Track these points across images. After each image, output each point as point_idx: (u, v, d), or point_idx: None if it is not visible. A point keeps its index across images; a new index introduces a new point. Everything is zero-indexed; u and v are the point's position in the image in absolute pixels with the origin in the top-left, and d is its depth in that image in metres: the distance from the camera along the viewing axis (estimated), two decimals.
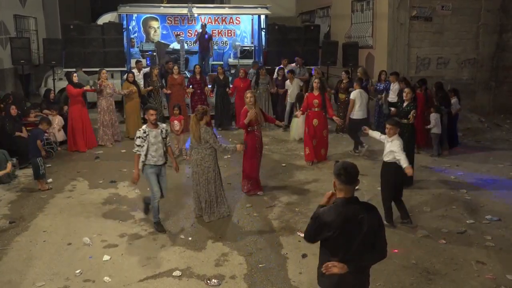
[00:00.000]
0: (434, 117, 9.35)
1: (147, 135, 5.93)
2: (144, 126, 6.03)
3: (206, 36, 14.09)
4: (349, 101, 9.55)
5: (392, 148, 5.98)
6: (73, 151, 9.85)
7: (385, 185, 6.18)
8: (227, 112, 11.88)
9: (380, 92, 10.81)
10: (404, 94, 7.65)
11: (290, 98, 11.51)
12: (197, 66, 11.86)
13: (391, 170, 6.07)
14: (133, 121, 10.80)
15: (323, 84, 9.25)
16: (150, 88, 11.00)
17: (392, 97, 10.32)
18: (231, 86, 11.80)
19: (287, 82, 11.66)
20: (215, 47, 14.89)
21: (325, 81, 10.75)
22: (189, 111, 11.45)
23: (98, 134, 10.40)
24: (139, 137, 5.92)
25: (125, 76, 11.28)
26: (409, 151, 7.57)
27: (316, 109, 8.76)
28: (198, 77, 11.60)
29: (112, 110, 10.53)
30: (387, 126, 6.14)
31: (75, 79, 9.80)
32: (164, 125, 6.24)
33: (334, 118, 8.94)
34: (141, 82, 11.50)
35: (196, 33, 14.54)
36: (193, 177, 6.48)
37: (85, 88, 10.13)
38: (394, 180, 6.09)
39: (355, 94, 9.40)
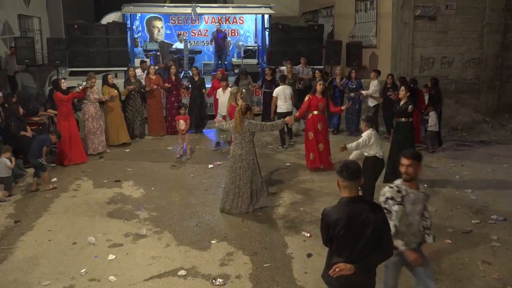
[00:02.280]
0: (434, 115, 9.45)
1: (403, 196, 3.74)
2: (398, 182, 3.85)
3: (221, 35, 14.15)
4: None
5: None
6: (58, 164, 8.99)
7: (365, 179, 6.27)
8: (202, 113, 11.62)
9: (352, 90, 10.93)
10: (400, 93, 7.75)
11: (221, 110, 9.76)
12: (173, 67, 11.45)
13: (369, 164, 6.40)
14: (116, 128, 10.24)
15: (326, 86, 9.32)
16: (132, 87, 10.59)
17: (371, 93, 10.69)
18: (207, 86, 11.59)
19: (219, 90, 10.05)
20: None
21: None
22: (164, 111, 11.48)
23: (85, 144, 9.51)
24: (391, 198, 3.73)
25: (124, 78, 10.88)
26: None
27: (320, 113, 8.55)
28: (173, 78, 11.32)
29: (100, 116, 9.78)
30: (361, 122, 6.74)
31: (63, 85, 9.07)
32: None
33: (342, 107, 9.03)
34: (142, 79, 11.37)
35: (212, 33, 14.51)
36: (234, 173, 6.61)
37: (75, 91, 9.39)
38: (373, 173, 6.42)
39: (277, 91, 9.96)
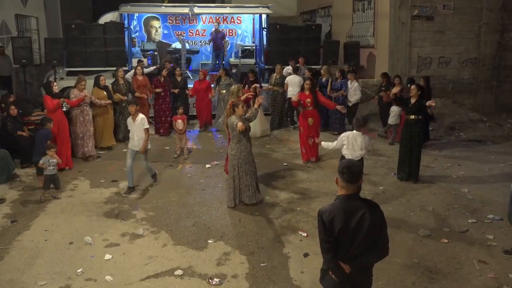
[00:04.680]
0: (397, 109, 9.88)
1: None
2: None
3: (220, 34, 14.16)
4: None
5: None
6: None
7: None
8: (186, 113, 11.39)
9: (336, 90, 11.12)
10: (411, 91, 7.88)
11: (132, 145, 7.60)
12: (165, 70, 11.32)
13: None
14: (102, 131, 9.91)
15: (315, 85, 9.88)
16: (124, 98, 10.27)
17: (350, 95, 11.05)
18: (189, 87, 11.60)
19: (129, 119, 7.67)
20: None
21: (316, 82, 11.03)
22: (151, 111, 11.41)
23: (74, 149, 9.20)
24: None
25: (117, 79, 10.44)
26: (417, 148, 7.71)
27: (310, 108, 8.92)
28: (162, 79, 11.15)
29: (89, 120, 9.36)
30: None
31: (55, 88, 8.71)
32: None
33: (338, 107, 9.23)
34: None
35: (211, 33, 14.51)
36: (243, 167, 6.71)
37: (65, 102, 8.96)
38: None
39: (288, 79, 11.31)
